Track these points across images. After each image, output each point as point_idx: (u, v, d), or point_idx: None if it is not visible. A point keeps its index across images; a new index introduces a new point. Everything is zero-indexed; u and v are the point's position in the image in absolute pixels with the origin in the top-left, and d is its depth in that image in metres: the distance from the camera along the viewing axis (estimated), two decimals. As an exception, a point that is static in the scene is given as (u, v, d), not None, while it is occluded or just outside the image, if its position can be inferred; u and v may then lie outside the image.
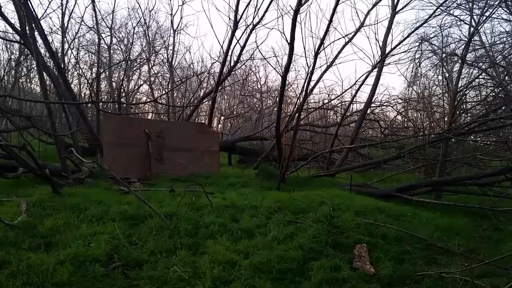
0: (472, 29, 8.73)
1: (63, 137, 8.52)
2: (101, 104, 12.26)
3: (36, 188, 5.05)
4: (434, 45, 10.51)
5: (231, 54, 10.33)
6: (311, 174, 8.41)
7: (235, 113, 18.05)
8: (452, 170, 8.84)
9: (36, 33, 6.97)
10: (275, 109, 12.50)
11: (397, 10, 10.17)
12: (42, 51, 8.82)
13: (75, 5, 18.60)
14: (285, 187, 6.61)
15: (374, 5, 9.82)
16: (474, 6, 9.01)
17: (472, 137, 9.22)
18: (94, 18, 12.12)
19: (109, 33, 13.80)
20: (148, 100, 15.52)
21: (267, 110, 16.71)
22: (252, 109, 17.89)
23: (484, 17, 8.77)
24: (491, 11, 8.76)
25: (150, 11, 15.27)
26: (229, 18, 10.04)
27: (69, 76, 13.23)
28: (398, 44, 9.90)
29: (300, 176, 8.08)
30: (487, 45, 10.78)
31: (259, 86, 18.72)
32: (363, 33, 12.58)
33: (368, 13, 9.84)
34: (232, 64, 10.79)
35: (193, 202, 4.46)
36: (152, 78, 16.41)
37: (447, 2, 9.27)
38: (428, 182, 7.28)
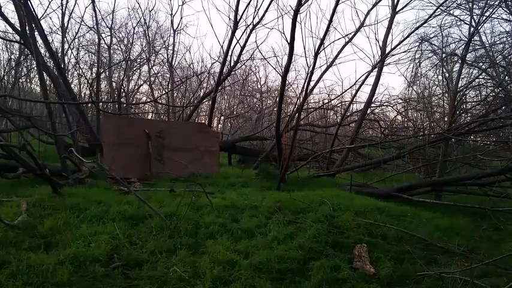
0: (472, 29, 8.73)
1: (63, 137, 8.52)
2: (101, 104, 12.26)
3: (36, 188, 5.05)
4: (434, 45, 10.53)
5: (231, 54, 10.35)
6: (311, 174, 8.40)
7: (235, 113, 18.04)
8: (452, 170, 8.82)
9: (36, 33, 6.97)
10: (275, 109, 12.51)
11: (397, 10, 10.18)
12: (42, 51, 8.83)
13: (75, 5, 18.58)
14: (285, 187, 6.61)
15: (374, 5, 9.84)
16: (474, 6, 9.01)
17: (472, 137, 9.20)
18: (94, 18, 12.15)
19: (109, 33, 13.83)
20: (148, 100, 15.54)
21: (267, 110, 16.71)
22: (252, 109, 17.89)
23: (484, 17, 8.77)
24: (491, 11, 8.77)
25: (150, 11, 15.28)
26: (229, 18, 10.07)
27: (69, 76, 13.25)
28: (399, 44, 9.92)
29: (300, 176, 8.08)
30: (487, 45, 10.78)
31: (259, 86, 18.75)
32: (363, 33, 12.57)
33: (368, 13, 9.87)
34: (232, 64, 10.80)
35: (193, 202, 4.46)
36: (152, 78, 16.43)
37: (447, 2, 9.28)
38: (428, 182, 7.27)
